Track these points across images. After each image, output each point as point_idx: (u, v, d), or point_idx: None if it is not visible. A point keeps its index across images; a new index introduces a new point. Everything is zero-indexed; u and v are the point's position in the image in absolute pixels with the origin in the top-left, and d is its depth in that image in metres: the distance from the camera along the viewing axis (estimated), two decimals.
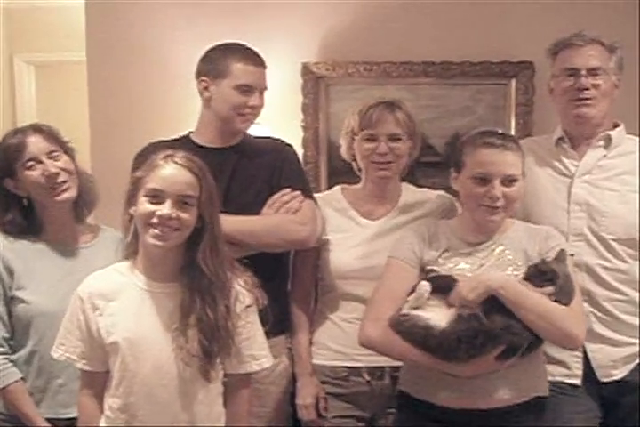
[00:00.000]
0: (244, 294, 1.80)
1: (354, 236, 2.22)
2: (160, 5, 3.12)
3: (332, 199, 2.29)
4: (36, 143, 2.01)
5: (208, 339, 1.72)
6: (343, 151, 2.29)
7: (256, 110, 2.19)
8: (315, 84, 3.12)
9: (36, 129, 2.05)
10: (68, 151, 2.08)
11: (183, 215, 1.72)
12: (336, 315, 2.22)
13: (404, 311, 1.86)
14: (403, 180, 2.32)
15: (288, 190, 2.17)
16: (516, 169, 1.90)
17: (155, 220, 1.73)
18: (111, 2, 3.12)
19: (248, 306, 1.80)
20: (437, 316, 1.82)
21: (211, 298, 1.73)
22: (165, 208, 1.72)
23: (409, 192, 2.29)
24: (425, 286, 1.86)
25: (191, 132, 2.26)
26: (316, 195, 2.34)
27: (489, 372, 1.81)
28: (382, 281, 1.97)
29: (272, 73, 2.89)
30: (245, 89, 2.13)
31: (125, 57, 3.13)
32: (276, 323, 1.98)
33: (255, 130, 2.80)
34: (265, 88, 2.20)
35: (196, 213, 1.74)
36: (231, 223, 1.98)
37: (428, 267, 1.94)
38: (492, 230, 1.97)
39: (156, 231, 1.73)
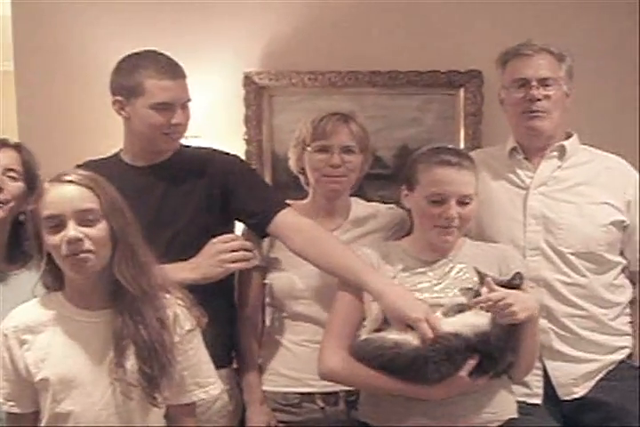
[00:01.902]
0: (184, 316, 1.70)
1: None
2: (92, 13, 3.04)
3: None
4: None
5: (148, 363, 1.62)
6: (292, 163, 2.22)
7: (181, 127, 2.04)
8: (257, 94, 3.07)
9: None
10: None
11: (91, 232, 1.60)
12: (286, 337, 2.14)
13: (365, 336, 1.80)
14: (352, 194, 2.26)
15: (230, 237, 2.04)
16: (472, 188, 1.87)
17: (65, 250, 1.60)
18: (39, 11, 3.04)
19: (189, 330, 1.69)
20: (404, 335, 1.77)
21: (139, 315, 1.63)
22: (69, 231, 1.60)
23: (359, 206, 2.23)
24: (374, 309, 1.81)
25: (122, 150, 2.13)
26: None
27: (460, 393, 1.76)
28: (336, 307, 1.91)
29: (213, 84, 2.97)
30: (164, 107, 1.97)
31: (54, 65, 3.04)
32: (218, 355, 1.87)
33: (194, 144, 2.67)
34: (188, 100, 2.03)
35: (106, 227, 1.63)
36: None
37: None
38: (446, 249, 1.93)
39: (73, 261, 1.61)
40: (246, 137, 3.08)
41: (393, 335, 1.76)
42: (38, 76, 3.04)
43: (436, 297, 1.85)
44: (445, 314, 1.78)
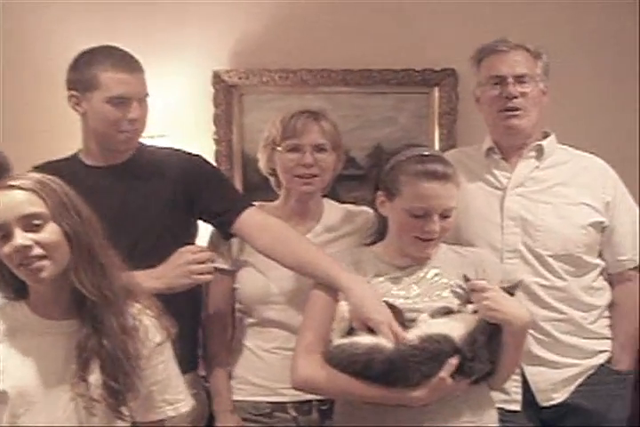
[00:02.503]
0: (154, 328, 1.62)
1: None
2: (57, 11, 2.99)
3: None
4: None
5: (112, 376, 1.53)
6: (262, 165, 2.15)
7: (138, 124, 1.98)
8: (227, 93, 3.02)
9: None
10: None
11: (40, 237, 1.52)
12: (256, 344, 2.08)
13: (337, 342, 1.74)
14: (324, 195, 2.20)
15: (198, 247, 1.98)
16: (455, 200, 1.81)
17: (17, 260, 1.52)
18: (3, 10, 2.95)
19: (159, 343, 1.61)
20: (377, 339, 1.70)
21: (101, 323, 1.54)
22: (16, 239, 1.51)
23: (332, 209, 2.17)
24: (342, 306, 1.75)
25: (81, 150, 2.08)
26: None
27: (441, 397, 1.70)
28: (307, 313, 1.85)
29: (181, 82, 2.94)
30: (120, 101, 1.92)
31: (18, 65, 2.98)
32: (183, 359, 1.80)
33: (160, 144, 2.62)
34: (145, 95, 1.99)
35: (57, 230, 1.54)
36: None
37: None
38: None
39: (26, 270, 1.53)
40: (215, 137, 3.03)
41: (366, 340, 1.70)
42: (2, 76, 2.97)
43: (411, 303, 1.80)
44: (432, 316, 1.75)
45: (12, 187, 1.54)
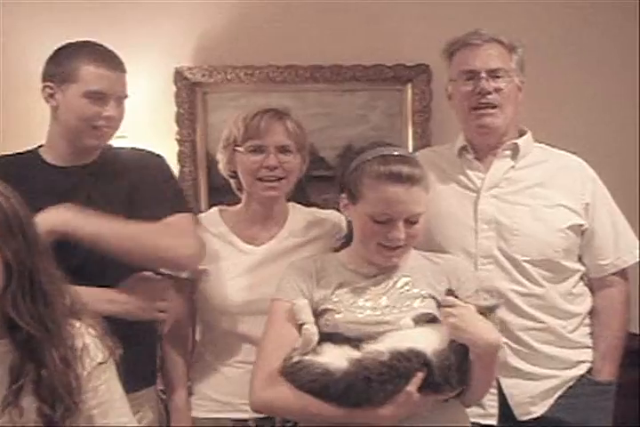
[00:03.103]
0: (94, 347, 1.52)
1: (235, 264, 2.02)
2: (12, 4, 2.92)
3: (209, 222, 2.08)
4: None
5: (48, 403, 1.44)
6: (221, 167, 2.09)
7: (113, 122, 1.93)
8: (190, 91, 2.99)
9: None
10: None
11: None
12: (216, 358, 2.02)
13: (296, 359, 1.65)
14: (289, 198, 2.15)
15: (160, 280, 1.93)
16: (423, 205, 1.72)
17: None
18: None
19: (100, 363, 1.52)
20: (334, 357, 1.62)
21: (39, 354, 1.45)
22: None
23: (297, 212, 2.12)
24: (310, 330, 1.66)
25: (41, 146, 2.01)
26: None
27: (409, 414, 1.62)
28: (268, 329, 1.76)
29: (141, 80, 2.86)
30: (98, 97, 1.89)
31: None
32: (141, 374, 1.84)
33: (121, 144, 2.60)
34: (124, 95, 1.95)
35: None
36: (108, 225, 1.77)
37: (322, 307, 1.73)
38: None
39: None
40: (178, 137, 3.00)
41: (324, 359, 1.62)
42: None
43: (379, 314, 1.71)
44: (416, 322, 1.68)
45: None
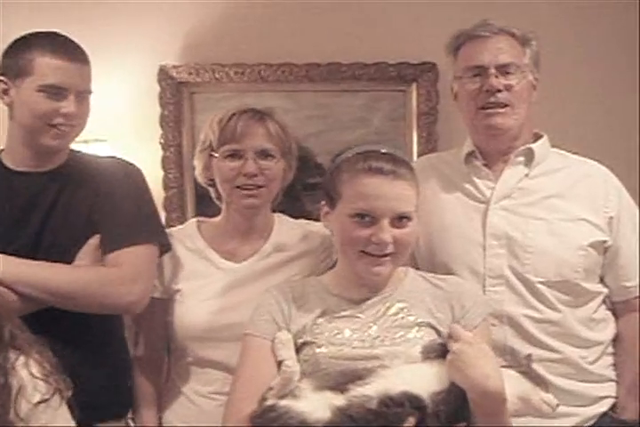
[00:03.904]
0: (32, 387, 1.42)
1: (212, 283, 1.94)
2: None
3: (185, 236, 2.00)
4: None
5: None
6: (198, 173, 2.01)
7: (74, 120, 1.85)
8: (175, 91, 2.94)
9: None
10: None
11: None
12: (190, 387, 1.94)
13: (270, 402, 1.50)
14: (280, 208, 2.07)
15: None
16: (410, 204, 1.60)
17: None
18: None
19: (39, 402, 1.42)
20: (315, 404, 1.46)
21: None
22: None
23: (283, 225, 2.02)
24: (290, 367, 1.52)
25: (3, 151, 1.98)
26: (167, 230, 2.06)
27: None
28: (239, 367, 1.65)
29: (122, 79, 2.86)
30: (54, 91, 1.81)
31: None
32: (108, 403, 1.82)
33: (99, 149, 2.62)
34: (87, 90, 1.88)
35: None
36: (30, 271, 1.71)
37: (301, 340, 1.61)
38: (378, 283, 1.67)
39: None
40: (162, 141, 2.94)
41: (302, 405, 1.46)
42: None
43: (368, 347, 1.56)
44: (425, 355, 1.52)
45: None
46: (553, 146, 2.05)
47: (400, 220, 1.58)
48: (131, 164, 1.98)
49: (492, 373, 1.45)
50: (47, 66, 1.79)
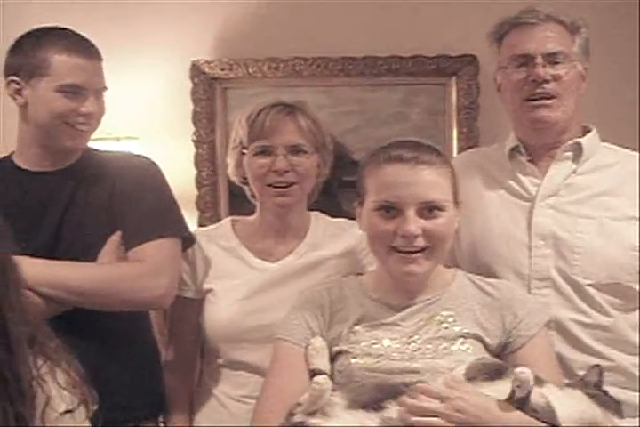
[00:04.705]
0: (59, 398, 1.41)
1: (245, 283, 1.91)
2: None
3: (219, 235, 1.98)
4: None
5: None
6: (230, 171, 1.99)
7: (93, 120, 1.83)
8: (208, 87, 2.92)
9: None
10: None
11: None
12: (221, 390, 1.90)
13: (298, 419, 1.43)
14: (315, 207, 2.03)
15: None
16: (440, 191, 1.52)
17: None
18: None
19: (65, 411, 1.40)
20: (346, 424, 1.39)
21: None
22: None
23: (320, 224, 1.98)
24: (321, 384, 1.44)
25: (14, 152, 1.95)
26: (200, 229, 2.08)
27: None
28: (269, 374, 1.61)
29: (154, 75, 2.85)
30: (74, 91, 1.78)
31: None
32: (138, 406, 1.80)
33: (130, 147, 2.57)
34: (103, 88, 1.86)
35: None
36: (50, 272, 1.69)
37: (336, 348, 1.54)
38: (420, 287, 1.58)
39: None
40: (195, 138, 2.92)
41: (332, 424, 1.38)
42: None
43: (407, 360, 1.48)
44: (470, 377, 1.41)
45: None
46: None
47: (430, 210, 1.50)
48: (145, 158, 1.98)
49: (491, 417, 1.34)
50: (65, 65, 1.77)
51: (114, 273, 1.76)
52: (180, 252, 1.84)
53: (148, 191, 1.88)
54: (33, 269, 1.63)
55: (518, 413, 1.35)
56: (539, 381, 1.38)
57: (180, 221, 1.88)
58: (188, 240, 1.87)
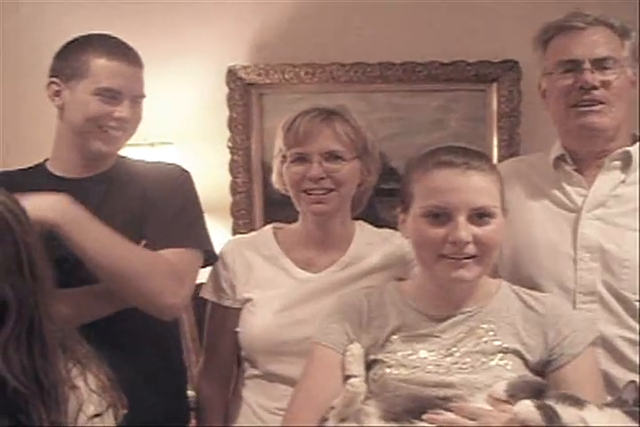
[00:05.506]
0: (89, 401, 1.39)
1: (286, 293, 1.87)
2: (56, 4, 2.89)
3: (260, 243, 1.94)
4: None
5: None
6: (274, 180, 1.96)
7: (126, 125, 1.83)
8: (244, 93, 2.92)
9: None
10: None
11: None
12: (256, 401, 1.86)
13: (331, 424, 1.41)
14: (360, 217, 1.99)
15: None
16: (491, 198, 1.49)
17: None
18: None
19: (95, 415, 1.39)
20: None
21: (27, 418, 1.31)
22: None
23: (364, 234, 1.94)
24: (356, 387, 1.43)
25: (48, 159, 1.97)
26: (240, 236, 2.08)
27: None
28: (303, 377, 1.57)
29: (190, 81, 2.87)
30: (110, 95, 1.79)
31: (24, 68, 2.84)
32: (168, 414, 1.80)
33: (165, 153, 2.57)
34: (140, 95, 1.86)
35: None
36: (95, 230, 1.66)
37: (371, 357, 1.51)
38: (464, 297, 1.53)
39: None
40: (230, 144, 2.92)
41: None
42: None
43: (443, 373, 1.43)
44: (511, 394, 1.35)
45: None
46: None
47: (480, 217, 1.47)
48: (178, 167, 1.97)
49: None
50: (103, 68, 1.79)
51: (159, 260, 1.73)
52: (199, 266, 1.83)
53: (176, 199, 1.88)
54: (78, 215, 1.63)
55: None
56: (578, 402, 1.32)
57: (205, 235, 1.86)
58: (210, 256, 1.85)
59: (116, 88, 1.79)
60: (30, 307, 1.33)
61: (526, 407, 1.29)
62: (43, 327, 1.34)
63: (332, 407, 1.43)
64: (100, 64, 1.78)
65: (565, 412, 1.29)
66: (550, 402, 1.29)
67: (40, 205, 1.56)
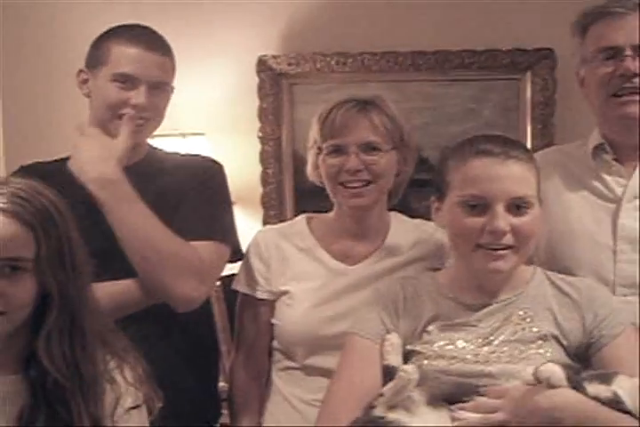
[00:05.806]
0: (125, 394, 1.40)
1: (323, 286, 1.86)
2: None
3: (294, 233, 1.92)
4: None
5: None
6: (309, 171, 1.93)
7: (144, 113, 1.79)
8: (274, 83, 2.91)
9: None
10: None
11: (9, 291, 1.29)
12: (294, 394, 1.85)
13: (379, 413, 1.38)
14: (392, 208, 1.97)
15: None
16: (529, 188, 1.48)
17: None
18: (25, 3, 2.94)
19: (131, 407, 1.41)
20: (430, 422, 1.35)
21: (66, 411, 1.32)
22: None
23: (400, 225, 1.93)
24: (410, 373, 1.39)
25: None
26: (273, 227, 2.04)
27: None
28: (340, 368, 1.56)
29: (220, 70, 2.86)
30: (126, 80, 1.76)
31: (39, 62, 2.90)
32: (199, 410, 1.80)
33: (196, 143, 2.57)
34: (162, 82, 1.81)
35: (32, 285, 1.32)
36: (137, 207, 1.69)
37: (408, 347, 1.50)
38: (500, 286, 1.53)
39: None
40: (261, 134, 2.91)
41: (413, 420, 1.34)
42: (21, 76, 2.92)
43: (482, 363, 1.43)
44: (551, 384, 1.32)
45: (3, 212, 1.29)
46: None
47: (518, 207, 1.45)
48: (212, 160, 1.95)
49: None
50: (121, 54, 1.76)
51: (188, 251, 1.71)
52: (225, 261, 1.81)
53: (206, 192, 1.86)
54: (125, 195, 1.66)
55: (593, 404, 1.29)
56: (607, 378, 1.33)
57: (232, 229, 1.84)
58: (236, 253, 1.83)
59: (132, 73, 1.75)
60: (72, 300, 1.33)
61: (551, 366, 1.30)
62: (84, 320, 1.34)
63: (381, 395, 1.41)
64: (119, 50, 1.76)
65: (593, 387, 1.30)
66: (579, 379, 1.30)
67: (95, 169, 1.64)
